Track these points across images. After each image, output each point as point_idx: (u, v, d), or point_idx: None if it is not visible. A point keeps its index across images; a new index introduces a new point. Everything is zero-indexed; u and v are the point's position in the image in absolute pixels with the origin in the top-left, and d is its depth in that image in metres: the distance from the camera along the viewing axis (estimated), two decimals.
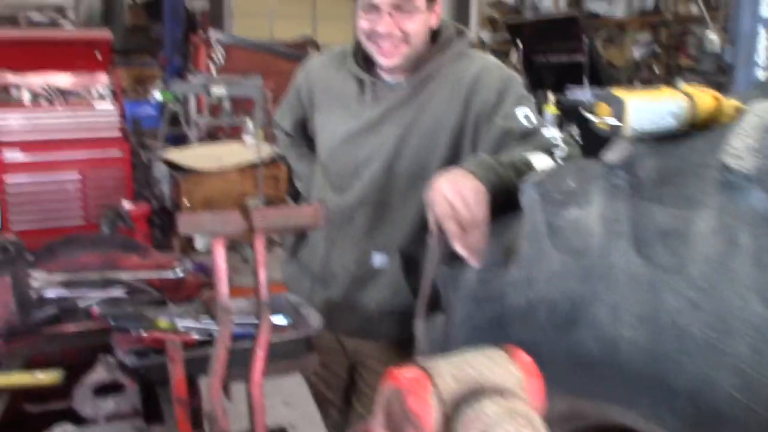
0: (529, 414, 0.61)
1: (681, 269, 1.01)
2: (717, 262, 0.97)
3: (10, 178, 5.45)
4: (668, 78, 9.70)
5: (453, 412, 0.63)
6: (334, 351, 2.08)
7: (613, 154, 1.19)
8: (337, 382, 2.17)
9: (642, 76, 10.23)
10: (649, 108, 1.12)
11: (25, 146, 5.61)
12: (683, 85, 1.21)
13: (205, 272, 2.13)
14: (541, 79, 7.51)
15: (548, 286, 1.25)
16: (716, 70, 7.06)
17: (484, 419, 0.61)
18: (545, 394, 0.69)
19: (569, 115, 5.97)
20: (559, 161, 1.58)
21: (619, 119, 1.11)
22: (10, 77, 5.77)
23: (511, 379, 0.66)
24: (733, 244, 0.95)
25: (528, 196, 1.32)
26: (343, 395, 2.19)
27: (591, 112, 1.18)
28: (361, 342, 2.03)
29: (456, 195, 1.43)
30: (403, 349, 1.96)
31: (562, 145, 1.65)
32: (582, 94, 6.32)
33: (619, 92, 1.13)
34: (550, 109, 5.92)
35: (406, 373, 0.67)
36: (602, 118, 1.13)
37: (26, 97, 5.73)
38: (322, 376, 2.15)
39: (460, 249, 1.42)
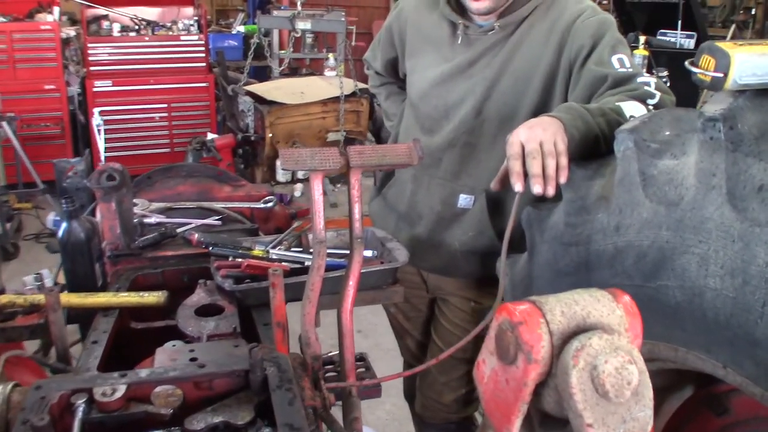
0: (632, 350, 0.67)
1: None
2: None
3: (101, 108, 5.67)
4: (765, 20, 9.22)
5: (561, 344, 0.69)
6: (416, 285, 2.14)
7: (712, 107, 1.18)
8: (416, 315, 2.25)
9: (738, 18, 9.75)
10: (755, 62, 1.11)
11: (114, 77, 5.82)
12: None
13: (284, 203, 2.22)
14: (633, 20, 7.27)
15: (638, 234, 1.27)
16: None
17: (590, 351, 0.67)
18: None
19: (658, 57, 5.80)
20: (652, 109, 1.55)
21: (724, 73, 1.10)
22: (101, 10, 5.95)
23: (614, 318, 0.72)
24: None
25: (622, 144, 1.33)
26: (422, 328, 2.27)
27: (694, 65, 1.17)
28: (443, 278, 2.08)
29: (531, 140, 1.42)
30: (484, 287, 2.01)
31: (656, 92, 1.62)
32: (673, 36, 6.11)
33: (725, 45, 1.12)
34: (640, 52, 5.74)
35: (519, 307, 0.73)
36: (705, 72, 1.13)
37: (116, 29, 5.91)
38: (403, 308, 2.25)
39: (517, 187, 1.43)
